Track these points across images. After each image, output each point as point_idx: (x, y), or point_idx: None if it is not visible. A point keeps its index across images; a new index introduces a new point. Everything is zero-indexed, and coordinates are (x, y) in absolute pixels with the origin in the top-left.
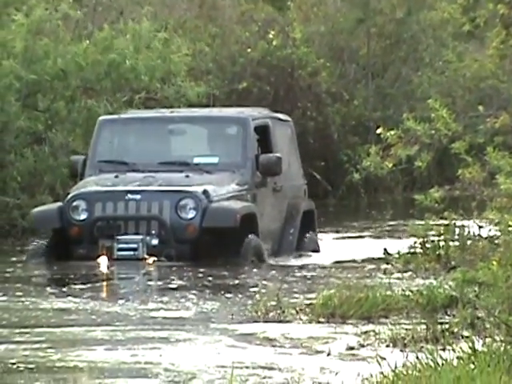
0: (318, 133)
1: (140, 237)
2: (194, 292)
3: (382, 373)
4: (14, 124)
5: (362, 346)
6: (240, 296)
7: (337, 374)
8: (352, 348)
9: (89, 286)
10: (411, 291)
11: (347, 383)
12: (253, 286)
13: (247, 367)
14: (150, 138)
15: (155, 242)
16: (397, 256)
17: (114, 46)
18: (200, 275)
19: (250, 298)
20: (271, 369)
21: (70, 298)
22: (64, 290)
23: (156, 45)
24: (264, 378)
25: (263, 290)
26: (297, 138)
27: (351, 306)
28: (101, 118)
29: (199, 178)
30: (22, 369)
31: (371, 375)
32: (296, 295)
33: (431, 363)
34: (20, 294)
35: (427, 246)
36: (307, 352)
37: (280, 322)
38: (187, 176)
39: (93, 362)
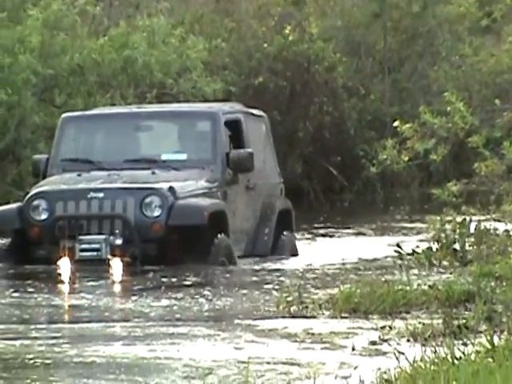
0: (334, 128)
1: (103, 236)
2: (208, 289)
3: (400, 367)
4: (30, 119)
5: (383, 340)
6: (257, 292)
7: (356, 368)
8: (373, 343)
9: (100, 282)
10: (430, 286)
11: (366, 378)
12: (268, 283)
13: (267, 362)
14: (115, 135)
15: (119, 241)
16: (412, 252)
17: (130, 43)
18: (212, 272)
19: (266, 294)
20: (290, 364)
21: (82, 294)
22: (76, 286)
23: (172, 41)
24: (281, 373)
25: (278, 286)
26: (313, 132)
27: (373, 302)
28: (64, 115)
29: (166, 174)
30: (38, 364)
31: (390, 370)
32: (315, 291)
33: (449, 357)
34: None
35: (443, 240)
36: (328, 347)
37: (302, 317)
38: (153, 173)
39: (111, 358)
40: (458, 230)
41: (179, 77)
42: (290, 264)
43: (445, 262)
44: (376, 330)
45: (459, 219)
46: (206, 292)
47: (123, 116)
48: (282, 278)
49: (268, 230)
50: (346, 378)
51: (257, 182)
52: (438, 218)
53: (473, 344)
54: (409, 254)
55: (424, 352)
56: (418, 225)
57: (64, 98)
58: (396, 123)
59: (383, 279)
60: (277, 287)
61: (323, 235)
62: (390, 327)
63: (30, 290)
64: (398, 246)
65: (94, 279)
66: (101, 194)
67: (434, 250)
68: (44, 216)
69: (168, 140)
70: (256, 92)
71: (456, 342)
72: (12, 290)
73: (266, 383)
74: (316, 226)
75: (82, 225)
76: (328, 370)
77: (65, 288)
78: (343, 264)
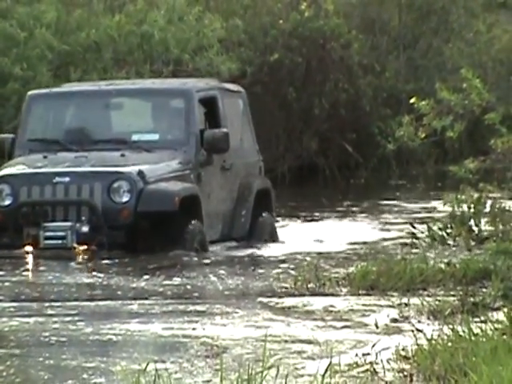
0: (349, 105)
1: (69, 224)
2: (223, 267)
3: (418, 345)
4: None
5: (400, 318)
6: (273, 270)
7: (374, 345)
8: (392, 320)
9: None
10: (447, 264)
11: (383, 355)
12: (283, 261)
13: (285, 341)
14: (84, 113)
15: (86, 228)
16: (427, 229)
17: (148, 19)
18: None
19: (282, 272)
20: (308, 342)
21: (94, 273)
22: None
23: (190, 18)
24: (295, 351)
25: (294, 265)
26: (329, 110)
27: (390, 279)
28: (30, 92)
29: (136, 157)
30: (53, 342)
31: (408, 347)
32: (331, 269)
33: (468, 335)
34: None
35: (459, 218)
36: (346, 325)
37: (320, 294)
38: (123, 155)
39: (127, 335)
40: (473, 208)
41: (195, 54)
42: (302, 243)
43: (460, 240)
44: (394, 307)
45: (475, 196)
46: (220, 271)
47: (92, 94)
48: (297, 257)
49: (245, 211)
50: (364, 355)
51: (233, 161)
52: (454, 195)
53: (490, 321)
54: (423, 232)
55: (442, 329)
56: (433, 203)
57: (79, 74)
58: (412, 100)
59: (400, 257)
60: (292, 266)
61: (339, 212)
62: (407, 304)
63: (41, 268)
64: (411, 224)
65: (104, 258)
66: (66, 179)
67: (450, 227)
68: (7, 202)
69: (139, 119)
70: (271, 69)
71: (473, 319)
72: (22, 268)
73: (281, 362)
74: (326, 205)
75: (46, 211)
76: (345, 348)
77: (76, 267)
78: (357, 243)
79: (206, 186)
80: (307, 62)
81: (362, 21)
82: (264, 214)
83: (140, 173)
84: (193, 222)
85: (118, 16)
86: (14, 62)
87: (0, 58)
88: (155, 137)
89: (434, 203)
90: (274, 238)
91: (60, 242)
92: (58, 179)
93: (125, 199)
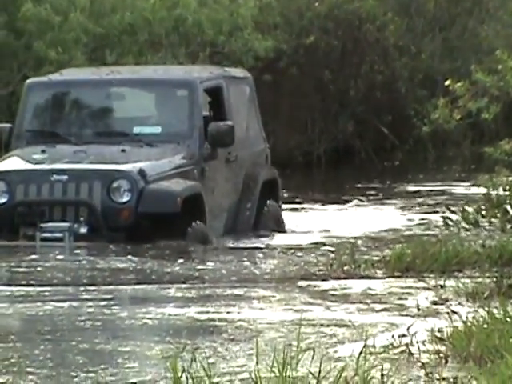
0: (385, 87)
1: (67, 224)
2: (255, 253)
3: (454, 327)
4: None
5: (436, 300)
6: (312, 255)
7: (409, 328)
8: (431, 302)
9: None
10: (483, 245)
11: (418, 337)
12: (317, 245)
13: (321, 324)
14: (84, 104)
15: (84, 230)
16: (462, 210)
17: (180, 2)
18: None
19: (322, 255)
20: (343, 326)
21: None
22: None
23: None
24: (331, 335)
25: (330, 249)
26: (365, 92)
27: (425, 261)
28: (28, 80)
29: (137, 152)
30: (87, 326)
31: (443, 329)
32: (368, 252)
33: (503, 316)
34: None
35: (493, 200)
36: (384, 308)
37: (356, 277)
38: (123, 150)
39: (162, 320)
40: (508, 190)
41: (230, 36)
42: (338, 227)
43: (495, 222)
44: (430, 289)
45: (511, 178)
46: (252, 257)
47: (93, 83)
48: (333, 240)
49: (250, 204)
50: (399, 337)
51: (239, 152)
52: (489, 177)
53: None
54: (458, 214)
55: (478, 311)
56: (469, 185)
57: (115, 57)
58: (447, 82)
59: (435, 238)
60: (328, 248)
61: (374, 194)
62: (442, 286)
63: (75, 252)
64: (447, 207)
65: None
66: (64, 177)
67: (485, 209)
68: (3, 200)
69: (141, 111)
70: (307, 51)
71: (508, 300)
72: (56, 252)
73: (316, 345)
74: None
75: (43, 211)
76: (381, 330)
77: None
78: (392, 226)
79: (210, 181)
80: (343, 45)
81: (398, 3)
82: (269, 203)
83: (141, 171)
84: (196, 222)
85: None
86: (49, 46)
87: (35, 42)
88: (157, 130)
89: (469, 185)
90: (280, 227)
91: (57, 243)
92: (55, 177)
93: (125, 199)
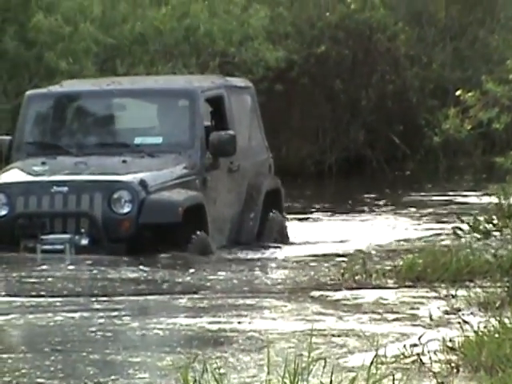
0: (396, 96)
1: (68, 236)
2: (267, 263)
3: (465, 337)
4: None
5: (448, 309)
6: (324, 265)
7: (420, 338)
8: (443, 312)
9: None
10: (494, 255)
11: (430, 347)
12: (327, 256)
13: (332, 334)
14: (84, 115)
15: (85, 241)
16: (473, 220)
17: (191, 11)
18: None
19: (334, 265)
20: (354, 335)
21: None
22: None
23: (234, 9)
24: (342, 345)
25: (341, 258)
26: (376, 101)
27: (436, 270)
28: (28, 92)
29: (138, 162)
30: (98, 337)
31: (455, 339)
32: (379, 262)
33: None
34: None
35: (504, 209)
36: (396, 317)
37: (368, 287)
38: (124, 161)
39: (174, 330)
40: None
41: (241, 45)
42: (349, 237)
43: (506, 232)
44: (441, 299)
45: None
46: (264, 267)
47: (93, 94)
48: (345, 250)
49: (253, 214)
50: (411, 346)
51: (241, 162)
52: (500, 186)
53: None
54: (469, 224)
55: (489, 321)
56: (480, 195)
57: (126, 68)
58: (458, 92)
59: (446, 248)
60: (339, 259)
61: (385, 205)
62: (453, 296)
63: (87, 262)
64: (458, 217)
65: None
66: (65, 189)
67: (496, 219)
68: (3, 212)
69: (142, 121)
70: (318, 61)
71: None
72: (67, 262)
73: (327, 355)
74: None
75: (44, 223)
76: (392, 340)
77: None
78: (403, 236)
79: (212, 191)
80: (354, 54)
81: (409, 12)
82: (272, 214)
83: (142, 182)
84: (197, 233)
85: (164, 8)
86: (60, 57)
87: (46, 53)
88: (158, 140)
89: (481, 195)
90: (284, 238)
91: (58, 255)
92: (56, 189)
93: (126, 210)
